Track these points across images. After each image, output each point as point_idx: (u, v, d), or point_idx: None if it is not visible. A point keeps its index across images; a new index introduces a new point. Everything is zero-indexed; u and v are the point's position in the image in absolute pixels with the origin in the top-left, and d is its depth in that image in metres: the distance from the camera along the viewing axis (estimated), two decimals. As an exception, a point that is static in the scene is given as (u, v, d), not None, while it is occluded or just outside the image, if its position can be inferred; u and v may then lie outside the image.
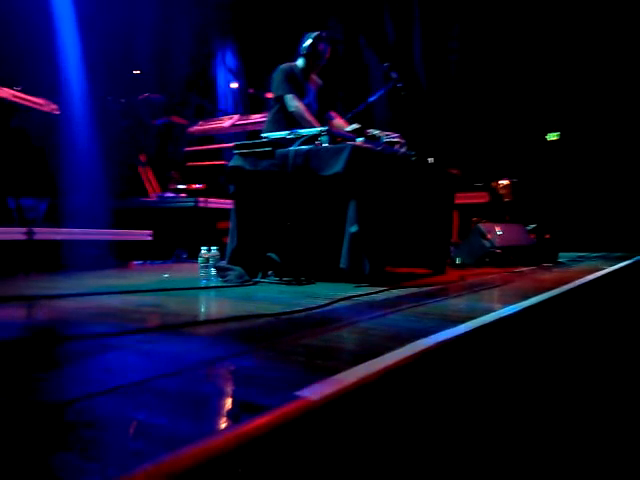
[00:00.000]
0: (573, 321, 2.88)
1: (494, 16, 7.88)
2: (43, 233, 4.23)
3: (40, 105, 5.21)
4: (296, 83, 3.86)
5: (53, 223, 4.81)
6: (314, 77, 4.08)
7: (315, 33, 3.93)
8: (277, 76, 3.84)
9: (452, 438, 1.48)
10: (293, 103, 3.73)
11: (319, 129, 3.30)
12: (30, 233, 4.09)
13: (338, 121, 4.09)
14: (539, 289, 2.71)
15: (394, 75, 4.15)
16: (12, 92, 4.95)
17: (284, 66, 3.90)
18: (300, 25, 4.28)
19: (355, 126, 3.66)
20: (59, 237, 4.40)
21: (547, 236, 5.61)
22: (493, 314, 1.95)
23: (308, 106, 3.89)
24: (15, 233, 4.03)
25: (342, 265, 3.04)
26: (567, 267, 4.68)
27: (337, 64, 8.31)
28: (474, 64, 8.00)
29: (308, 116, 3.69)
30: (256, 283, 3.16)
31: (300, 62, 3.98)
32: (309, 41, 3.91)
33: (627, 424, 2.30)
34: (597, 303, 3.50)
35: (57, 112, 5.33)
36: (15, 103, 4.94)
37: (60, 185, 5.25)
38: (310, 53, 3.92)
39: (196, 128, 7.48)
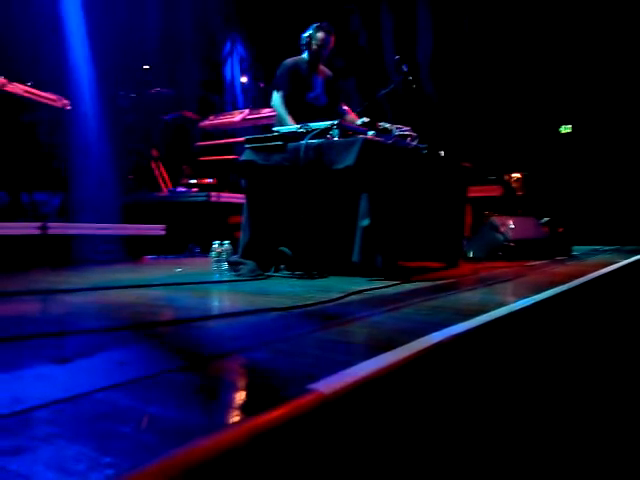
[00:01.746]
0: (588, 314, 2.86)
1: (506, 8, 7.80)
2: (57, 228, 4.26)
3: (52, 100, 5.24)
4: (299, 77, 3.87)
5: (66, 218, 4.84)
6: (322, 69, 4.07)
7: (315, 24, 3.94)
8: (279, 71, 3.89)
9: (464, 432, 1.47)
10: (275, 99, 3.86)
11: (330, 122, 3.29)
12: (44, 228, 4.13)
13: (351, 116, 4.07)
14: (553, 282, 2.68)
15: (405, 68, 4.12)
16: (24, 88, 4.97)
17: (288, 61, 3.92)
18: (312, 18, 4.26)
19: (364, 120, 3.65)
20: (73, 232, 4.43)
21: (560, 229, 5.56)
22: (507, 307, 1.94)
23: (316, 99, 3.91)
24: (29, 228, 4.07)
25: (354, 259, 3.04)
26: (581, 260, 4.64)
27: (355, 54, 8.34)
28: (486, 57, 7.93)
29: (283, 112, 3.79)
30: (269, 277, 3.16)
31: (304, 55, 3.99)
32: (307, 32, 3.93)
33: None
34: (612, 296, 3.47)
35: (69, 107, 5.36)
36: (27, 99, 4.97)
37: (73, 180, 5.29)
38: (309, 44, 3.93)
39: (207, 123, 7.49)
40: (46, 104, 5.18)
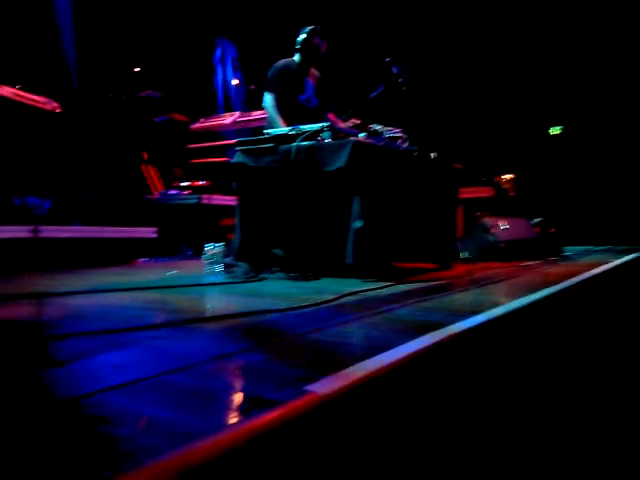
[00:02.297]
0: (581, 314, 2.87)
1: (496, 10, 7.84)
2: (48, 231, 4.23)
3: (41, 103, 5.20)
4: (291, 80, 3.88)
5: (58, 221, 4.81)
6: (313, 71, 4.08)
7: (310, 27, 3.95)
8: (270, 73, 3.89)
9: (461, 431, 1.47)
10: (266, 101, 3.85)
11: (321, 125, 3.29)
12: (36, 231, 4.09)
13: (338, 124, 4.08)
14: (546, 283, 2.70)
15: (395, 70, 4.13)
16: (13, 90, 4.94)
17: (279, 63, 3.93)
18: (301, 19, 4.27)
19: (354, 122, 3.66)
20: (64, 235, 4.40)
21: (552, 230, 5.59)
22: (503, 307, 1.95)
23: (307, 101, 3.92)
24: (21, 231, 4.04)
25: (348, 260, 3.04)
26: (573, 261, 4.67)
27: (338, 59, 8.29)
28: (477, 58, 7.96)
29: (275, 114, 3.79)
30: (262, 279, 3.15)
31: (296, 57, 4.00)
32: (303, 35, 3.93)
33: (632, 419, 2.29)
34: (604, 296, 3.49)
35: (59, 110, 5.32)
36: (16, 101, 4.93)
37: (64, 183, 5.26)
38: (304, 47, 3.94)
39: (198, 125, 7.46)
40: (36, 107, 5.14)
